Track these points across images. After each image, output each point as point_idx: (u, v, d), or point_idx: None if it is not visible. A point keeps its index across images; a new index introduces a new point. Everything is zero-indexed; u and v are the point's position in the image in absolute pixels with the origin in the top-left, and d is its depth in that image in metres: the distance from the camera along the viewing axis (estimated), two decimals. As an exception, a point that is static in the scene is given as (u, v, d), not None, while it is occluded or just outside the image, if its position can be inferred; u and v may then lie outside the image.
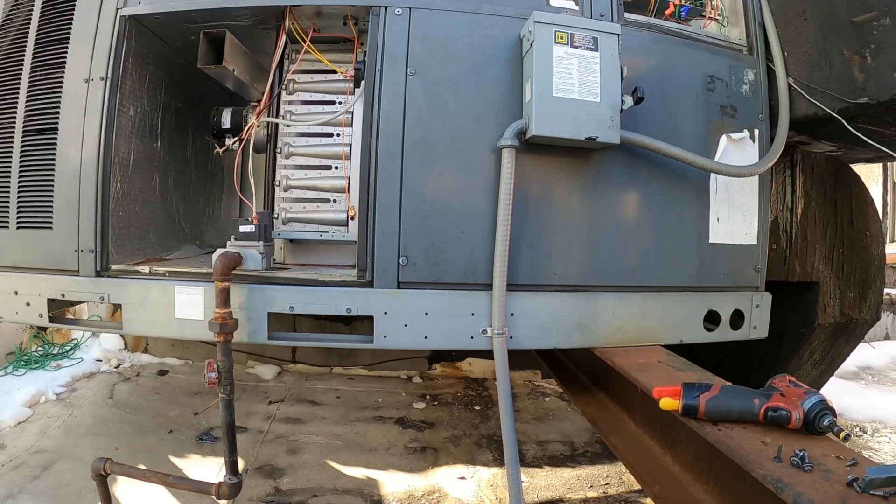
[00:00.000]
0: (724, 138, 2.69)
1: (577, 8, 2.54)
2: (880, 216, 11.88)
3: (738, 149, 2.72)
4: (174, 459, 3.63)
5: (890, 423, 5.05)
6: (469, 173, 2.39)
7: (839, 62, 2.52)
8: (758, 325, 2.81)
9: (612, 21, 2.54)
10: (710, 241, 2.67)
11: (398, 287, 2.34)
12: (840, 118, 2.54)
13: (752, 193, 2.78)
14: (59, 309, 2.72)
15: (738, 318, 2.76)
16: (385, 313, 2.32)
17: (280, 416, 4.32)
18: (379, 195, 2.34)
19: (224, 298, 2.21)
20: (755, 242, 2.78)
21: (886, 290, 8.06)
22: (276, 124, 2.81)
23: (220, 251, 2.31)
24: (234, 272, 2.30)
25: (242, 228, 2.38)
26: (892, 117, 2.52)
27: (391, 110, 2.36)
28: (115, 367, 5.30)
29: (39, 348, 5.58)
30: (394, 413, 4.48)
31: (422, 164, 2.36)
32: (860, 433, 4.86)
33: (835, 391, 5.07)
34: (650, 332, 2.60)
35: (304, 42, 2.61)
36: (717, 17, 3.02)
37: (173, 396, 4.62)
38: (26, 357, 5.42)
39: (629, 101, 2.32)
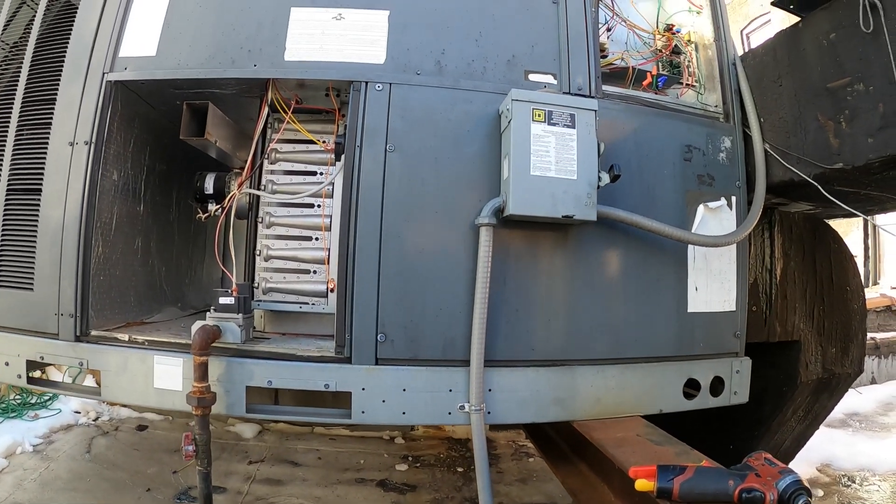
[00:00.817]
0: (701, 208, 2.73)
1: (555, 83, 2.59)
2: (862, 260, 12.06)
3: (716, 217, 2.76)
4: (151, 519, 3.57)
5: (879, 471, 5.05)
6: (447, 249, 2.41)
7: (814, 128, 2.59)
8: (738, 391, 2.81)
9: (591, 94, 2.59)
10: (689, 310, 2.69)
11: (376, 363, 2.33)
12: (816, 184, 2.60)
13: (731, 260, 2.82)
14: (38, 369, 2.70)
15: (718, 385, 2.76)
16: (363, 389, 2.31)
17: (260, 477, 4.25)
18: (357, 272, 2.35)
19: (202, 373, 2.20)
20: (734, 309, 2.81)
21: (870, 335, 8.14)
22: (258, 193, 2.82)
23: (198, 324, 2.31)
24: (212, 345, 2.29)
25: (222, 300, 2.38)
26: (868, 180, 2.58)
27: (370, 186, 2.38)
28: (94, 420, 5.21)
29: (17, 396, 5.49)
30: (376, 475, 4.40)
31: (400, 240, 2.38)
32: (849, 483, 4.86)
33: (822, 440, 5.04)
34: (629, 404, 2.59)
35: (287, 114, 2.65)
36: (694, 84, 3.09)
37: (152, 453, 4.53)
38: (3, 405, 5.33)
39: (606, 178, 2.35)
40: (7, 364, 2.62)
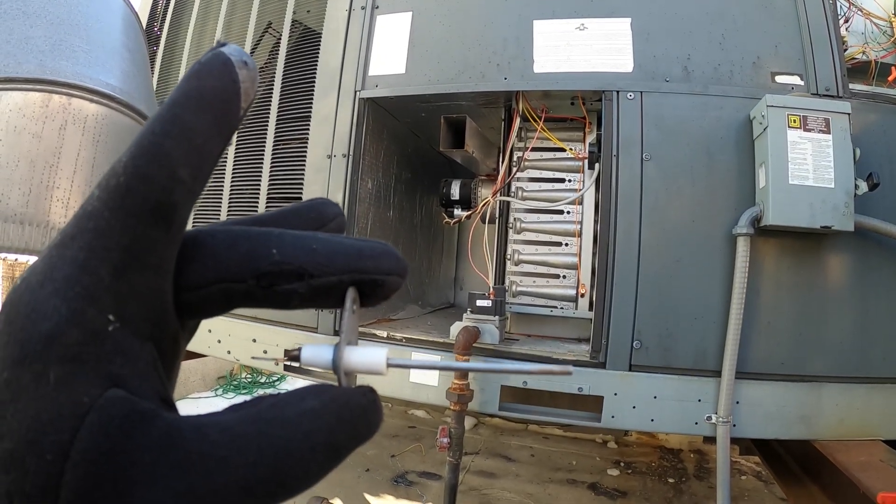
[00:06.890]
0: (962, 215, 2.49)
1: (802, 84, 2.47)
2: None
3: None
4: (369, 497, 3.84)
5: None
6: (702, 260, 2.39)
7: None
8: None
9: (838, 94, 2.44)
10: (947, 329, 2.46)
11: (629, 369, 2.37)
12: None
13: None
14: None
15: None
16: (615, 394, 2.36)
17: (474, 468, 4.42)
18: (616, 281, 2.40)
19: (464, 371, 2.35)
20: None
21: None
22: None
23: (460, 325, 2.48)
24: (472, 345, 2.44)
25: (479, 303, 2.52)
26: None
27: (628, 197, 2.41)
28: (317, 402, 5.64)
29: (248, 376, 6.15)
30: (587, 477, 4.38)
31: (658, 250, 2.40)
32: None
33: None
34: (872, 427, 2.42)
35: (538, 123, 2.75)
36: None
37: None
38: (235, 382, 6.01)
39: (864, 186, 2.22)
40: (265, 352, 2.94)
